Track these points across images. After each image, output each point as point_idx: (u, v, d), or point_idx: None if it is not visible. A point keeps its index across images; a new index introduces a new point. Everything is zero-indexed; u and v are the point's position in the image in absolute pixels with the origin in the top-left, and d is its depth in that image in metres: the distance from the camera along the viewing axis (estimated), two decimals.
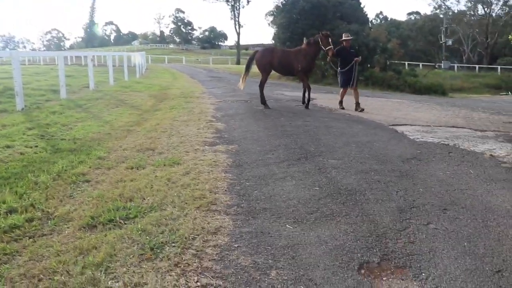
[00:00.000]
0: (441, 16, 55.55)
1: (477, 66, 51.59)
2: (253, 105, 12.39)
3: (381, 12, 70.11)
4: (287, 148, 6.76)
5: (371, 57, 25.44)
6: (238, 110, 11.19)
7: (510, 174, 5.56)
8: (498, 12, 54.32)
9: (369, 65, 24.65)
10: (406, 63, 45.06)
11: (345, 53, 11.89)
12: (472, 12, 55.59)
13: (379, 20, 65.15)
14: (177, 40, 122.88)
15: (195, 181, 4.97)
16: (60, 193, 4.55)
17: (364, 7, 39.94)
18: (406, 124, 9.68)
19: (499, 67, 50.17)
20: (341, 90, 12.31)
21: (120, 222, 3.76)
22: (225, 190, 4.71)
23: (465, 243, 3.39)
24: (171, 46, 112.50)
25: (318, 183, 4.96)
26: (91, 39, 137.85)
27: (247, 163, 5.89)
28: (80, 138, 7.34)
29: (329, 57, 11.67)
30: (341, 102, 12.30)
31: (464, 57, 56.08)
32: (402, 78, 26.37)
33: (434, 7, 58.72)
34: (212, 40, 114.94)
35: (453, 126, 9.65)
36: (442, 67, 46.51)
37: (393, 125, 9.49)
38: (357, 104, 11.89)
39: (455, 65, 50.30)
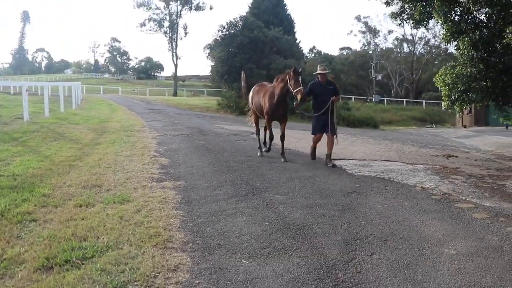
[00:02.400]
0: (371, 52, 59.18)
1: (404, 100, 55.10)
2: (195, 140, 12.59)
3: (314, 47, 73.23)
4: (234, 184, 7.03)
5: None
6: (180, 145, 11.34)
7: (439, 205, 6.15)
8: (421, 50, 58.68)
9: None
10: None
11: (321, 90, 9.31)
12: (398, 50, 59.72)
13: (313, 55, 68.03)
14: (112, 69, 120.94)
15: (148, 218, 5.10)
16: (6, 234, 4.50)
17: (299, 42, 41.95)
18: (344, 158, 10.29)
19: (423, 101, 53.91)
20: (313, 137, 9.75)
21: (78, 262, 3.83)
22: (179, 227, 4.88)
23: (406, 271, 3.79)
24: (106, 75, 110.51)
25: (267, 218, 5.26)
26: (20, 66, 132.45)
27: (196, 199, 6.08)
28: (20, 174, 7.18)
29: (296, 102, 8.87)
30: (313, 153, 9.73)
31: (392, 91, 59.72)
32: (337, 111, 27.57)
33: (364, 44, 62.46)
34: (148, 70, 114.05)
35: (387, 160, 10.38)
36: (373, 100, 49.20)
37: (332, 159, 10.03)
38: (328, 156, 9.29)
39: (385, 99, 53.40)
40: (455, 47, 10.22)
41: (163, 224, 4.92)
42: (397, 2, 9.99)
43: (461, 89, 9.60)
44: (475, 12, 9.11)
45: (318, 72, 9.54)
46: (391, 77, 58.82)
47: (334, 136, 9.27)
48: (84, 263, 3.84)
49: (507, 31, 7.90)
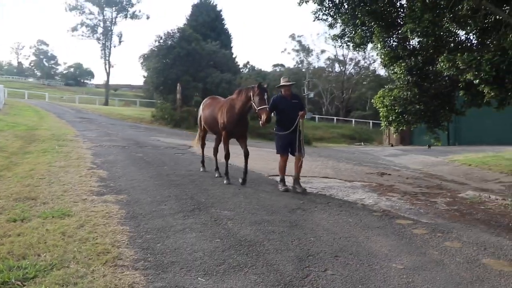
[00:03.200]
0: (304, 70, 61.01)
1: (335, 118, 57.08)
2: (132, 152, 12.32)
3: (248, 62, 74.37)
4: (179, 199, 6.96)
5: None
6: (117, 157, 11.05)
7: (381, 222, 6.44)
8: (351, 71, 61.37)
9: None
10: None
11: (286, 105, 8.34)
12: (330, 69, 62.03)
13: (247, 70, 68.87)
14: (38, 74, 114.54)
15: (93, 234, 4.93)
16: None
17: (236, 57, 42.31)
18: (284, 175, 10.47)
19: (353, 119, 56.24)
20: (280, 159, 8.59)
21: (18, 284, 3.62)
22: (127, 243, 4.76)
23: (360, 286, 3.94)
24: (31, 80, 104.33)
25: (218, 234, 5.26)
26: None
27: (141, 214, 5.96)
28: None
29: (261, 122, 7.95)
30: (282, 180, 8.56)
31: (323, 109, 61.71)
32: (272, 127, 28.12)
33: (297, 62, 64.20)
34: (77, 77, 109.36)
35: (325, 177, 10.73)
36: (307, 117, 50.52)
37: (272, 175, 10.22)
38: (297, 180, 8.52)
39: (316, 116, 55.07)
40: (392, 72, 10.84)
41: (110, 241, 4.78)
42: (340, 25, 10.45)
43: (398, 111, 10.19)
44: (411, 40, 9.75)
45: (282, 84, 8.52)
46: (322, 95, 60.82)
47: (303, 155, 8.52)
48: (26, 284, 3.63)
49: (439, 59, 8.52)
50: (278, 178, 8.77)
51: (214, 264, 4.28)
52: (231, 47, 43.81)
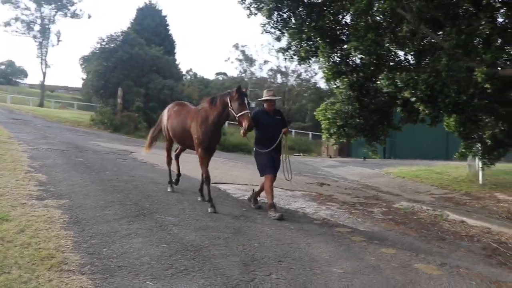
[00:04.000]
0: (246, 80, 61.53)
1: None
2: (72, 156, 12.01)
3: (190, 69, 74.04)
4: (123, 205, 6.92)
5: None
6: (56, 161, 10.72)
7: (322, 229, 6.76)
8: (293, 82, 62.54)
9: None
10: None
11: (268, 121, 7.61)
12: (272, 80, 62.85)
13: (189, 77, 68.55)
14: None
15: (35, 239, 4.84)
16: None
17: (179, 64, 42.04)
18: (226, 183, 10.66)
19: (293, 130, 57.27)
20: (264, 180, 7.63)
21: None
22: (72, 248, 4.71)
23: None
24: None
25: (164, 240, 5.32)
26: None
27: (85, 219, 5.89)
28: None
29: (243, 130, 7.10)
30: (273, 206, 7.42)
31: None
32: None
33: (240, 71, 64.60)
34: (9, 75, 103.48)
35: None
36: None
37: (214, 183, 10.31)
38: (271, 206, 7.42)
39: None
40: (335, 86, 11.34)
41: (54, 246, 4.71)
42: (287, 39, 10.79)
43: (339, 124, 10.65)
44: (354, 57, 10.26)
45: (265, 98, 7.78)
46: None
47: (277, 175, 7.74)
48: None
49: (380, 77, 9.06)
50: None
51: (161, 269, 4.35)
52: (175, 53, 43.51)
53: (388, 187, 13.80)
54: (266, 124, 7.60)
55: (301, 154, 44.09)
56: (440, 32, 9.09)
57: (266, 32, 10.97)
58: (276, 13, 10.61)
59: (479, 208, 9.56)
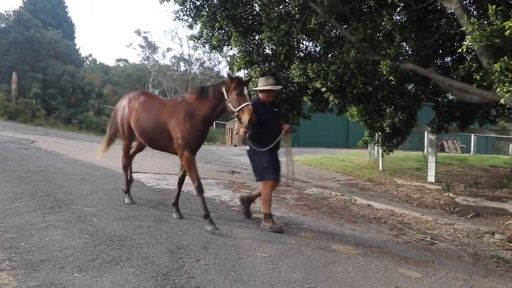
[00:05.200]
0: (149, 67, 60.08)
1: None
2: None
3: (90, 55, 70.57)
4: (34, 196, 6.57)
5: (86, 101, 25.66)
6: None
7: (241, 216, 6.95)
8: (196, 70, 62.24)
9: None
10: (114, 108, 46.66)
11: (265, 114, 6.30)
12: (175, 68, 62.02)
13: (89, 63, 65.29)
14: None
15: None
16: None
17: (79, 49, 39.85)
18: (139, 172, 10.43)
19: None
20: (262, 185, 6.42)
21: None
22: None
23: (233, 273, 4.30)
24: None
25: (85, 231, 5.16)
26: None
27: None
28: None
29: (242, 129, 6.07)
30: (269, 216, 6.30)
31: None
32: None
33: (143, 58, 62.87)
34: None
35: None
36: None
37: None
38: (268, 216, 6.29)
39: None
40: (247, 75, 11.49)
41: None
42: (200, 27, 10.75)
43: None
44: (266, 47, 10.49)
45: (262, 87, 6.44)
46: (166, 94, 60.61)
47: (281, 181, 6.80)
48: None
49: (292, 67, 9.39)
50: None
51: (88, 260, 4.24)
52: (75, 37, 41.17)
53: (296, 174, 14.36)
54: (263, 118, 6.13)
55: (205, 143, 44.13)
56: (346, 26, 9.62)
57: (179, 19, 10.87)
58: (189, 0, 10.54)
59: (382, 193, 10.36)
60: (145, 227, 5.59)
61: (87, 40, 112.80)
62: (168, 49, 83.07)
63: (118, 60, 72.55)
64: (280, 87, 8.02)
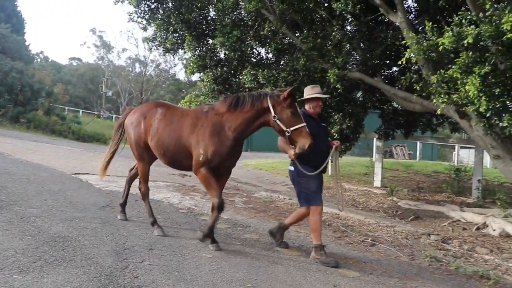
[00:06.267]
0: (103, 67, 58.84)
1: None
2: None
3: (42, 52, 68.32)
4: None
5: (35, 100, 24.93)
6: None
7: (188, 218, 7.04)
8: (151, 72, 61.49)
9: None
10: (67, 108, 45.39)
11: (314, 129, 5.30)
12: (130, 69, 61.05)
13: (40, 60, 63.17)
14: None
15: None
16: None
17: (29, 45, 38.61)
18: (88, 173, 10.34)
19: None
20: (311, 211, 5.55)
21: None
22: None
23: (176, 273, 4.39)
24: None
25: (27, 232, 5.11)
26: None
27: None
28: None
29: (293, 152, 5.21)
30: (321, 247, 5.47)
31: (121, 109, 60.43)
32: (67, 124, 26.73)
33: (98, 57, 61.55)
34: None
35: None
36: (104, 116, 48.97)
37: (75, 173, 9.99)
38: (319, 248, 5.44)
39: (113, 116, 53.69)
40: (200, 79, 11.63)
41: None
42: (154, 30, 10.79)
43: None
44: (219, 52, 10.66)
45: (311, 95, 5.65)
46: (120, 95, 59.60)
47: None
48: None
49: (243, 72, 9.59)
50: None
51: (29, 261, 4.21)
52: (24, 32, 39.77)
53: (247, 178, 14.55)
54: (313, 134, 5.13)
55: None
56: (298, 34, 9.91)
57: (133, 21, 10.89)
58: (144, 2, 10.57)
59: (329, 197, 10.66)
60: (90, 229, 5.59)
61: (38, 37, 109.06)
62: (124, 50, 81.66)
63: (71, 59, 70.69)
64: (328, 96, 7.26)
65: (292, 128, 5.01)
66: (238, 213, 7.95)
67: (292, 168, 5.65)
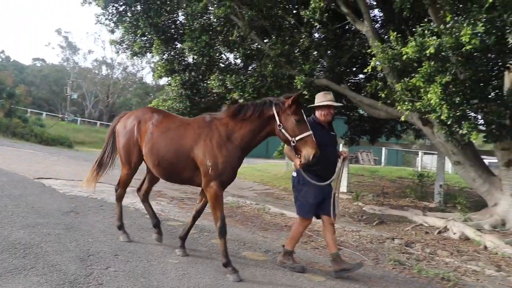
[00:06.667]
0: (68, 69, 57.75)
1: (98, 122, 55.52)
2: None
3: (3, 51, 66.37)
4: None
5: None
6: None
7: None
8: (118, 75, 60.77)
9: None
10: (29, 110, 44.24)
11: (323, 138, 5.15)
12: (97, 71, 60.16)
13: (0, 60, 61.39)
14: None
15: None
16: None
17: None
18: (51, 178, 10.11)
19: None
20: (298, 222, 5.56)
21: None
22: None
23: (142, 279, 4.34)
24: None
25: None
26: None
27: None
28: None
29: (298, 161, 4.86)
30: (290, 253, 5.47)
31: (86, 112, 59.41)
32: (29, 127, 26.01)
33: (63, 59, 60.39)
34: None
35: None
36: (68, 119, 47.96)
37: (38, 178, 9.75)
38: (337, 256, 5.31)
39: (78, 119, 52.70)
40: (168, 83, 11.57)
41: None
42: (122, 33, 10.67)
43: None
44: (187, 57, 10.63)
45: (322, 102, 5.38)
46: (86, 98, 58.62)
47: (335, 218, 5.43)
48: None
49: (211, 78, 9.60)
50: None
51: None
52: None
53: None
54: (321, 143, 4.87)
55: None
56: (267, 41, 10.00)
57: (100, 23, 10.74)
58: (112, 5, 10.44)
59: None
60: (54, 235, 5.47)
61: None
62: (90, 52, 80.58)
63: (35, 59, 69.02)
64: (341, 104, 6.65)
65: (297, 138, 4.73)
66: (204, 218, 7.87)
67: (295, 174, 5.45)
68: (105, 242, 5.48)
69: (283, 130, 4.81)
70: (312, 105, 5.46)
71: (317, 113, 5.40)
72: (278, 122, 4.84)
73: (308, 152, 4.66)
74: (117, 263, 4.74)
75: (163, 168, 5.35)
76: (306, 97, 9.00)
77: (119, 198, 6.06)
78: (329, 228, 5.34)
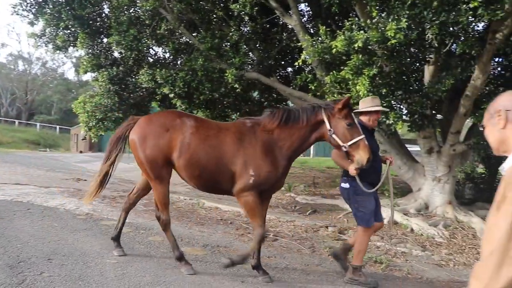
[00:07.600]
0: None
1: (16, 121, 52.49)
2: None
3: None
4: None
5: None
6: None
7: (87, 224, 6.74)
8: (37, 71, 57.68)
9: None
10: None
11: (370, 143, 4.77)
12: (12, 67, 56.69)
13: None
14: None
15: None
16: None
17: None
18: None
19: (37, 123, 52.82)
20: (362, 232, 5.06)
21: None
22: None
23: (80, 282, 4.20)
24: None
25: None
26: None
27: None
28: None
29: (353, 167, 4.62)
30: (359, 269, 5.10)
31: (2, 110, 55.94)
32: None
33: None
34: None
35: (17, 183, 10.15)
36: None
37: None
38: (358, 269, 5.09)
39: None
40: (94, 78, 11.15)
41: None
42: (43, 25, 10.11)
43: (99, 117, 10.55)
44: (115, 51, 10.31)
45: (372, 108, 5.12)
46: (1, 95, 55.16)
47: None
48: None
49: (140, 72, 9.39)
50: (349, 265, 5.19)
51: None
52: None
53: None
54: (373, 149, 4.77)
55: (48, 149, 41.22)
56: (196, 34, 9.92)
57: (17, 14, 10.08)
58: None
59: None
60: None
61: None
62: (3, 45, 75.47)
63: None
64: (388, 109, 6.58)
65: (350, 143, 4.49)
66: (139, 216, 7.77)
67: (347, 185, 5.03)
68: (35, 247, 5.23)
69: (334, 136, 4.59)
70: (359, 110, 5.18)
71: (365, 118, 5.15)
72: (329, 128, 4.61)
73: (361, 156, 4.45)
74: (51, 268, 4.54)
75: (205, 180, 4.86)
76: (238, 90, 9.07)
77: (166, 225, 5.11)
78: (370, 235, 5.21)
